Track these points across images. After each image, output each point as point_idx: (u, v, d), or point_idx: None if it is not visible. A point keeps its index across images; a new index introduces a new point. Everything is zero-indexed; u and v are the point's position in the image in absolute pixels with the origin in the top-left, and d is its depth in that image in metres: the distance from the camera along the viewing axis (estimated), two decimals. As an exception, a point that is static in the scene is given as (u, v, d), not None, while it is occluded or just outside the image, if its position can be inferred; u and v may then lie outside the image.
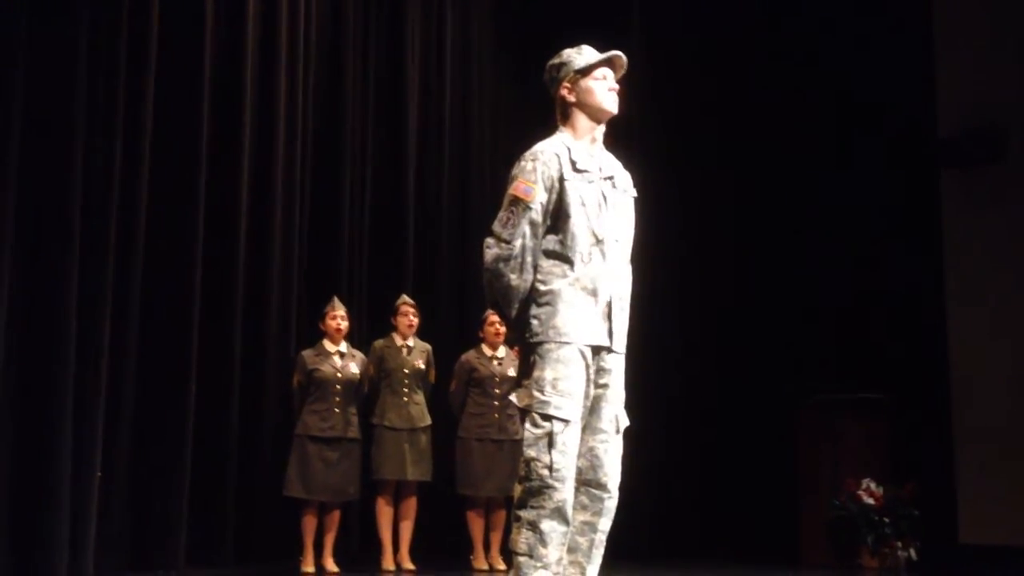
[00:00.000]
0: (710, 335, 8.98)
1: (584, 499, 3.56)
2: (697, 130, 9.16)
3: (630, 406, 3.71)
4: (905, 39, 8.47)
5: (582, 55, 3.72)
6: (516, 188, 3.55)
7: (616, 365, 3.61)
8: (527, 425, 3.48)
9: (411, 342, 6.90)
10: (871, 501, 7.39)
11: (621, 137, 4.36)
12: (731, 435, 8.67)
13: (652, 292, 5.91)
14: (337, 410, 6.51)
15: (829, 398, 7.91)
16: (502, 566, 6.69)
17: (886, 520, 7.31)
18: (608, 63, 3.72)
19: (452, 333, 7.90)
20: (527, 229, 3.51)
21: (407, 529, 6.78)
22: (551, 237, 3.56)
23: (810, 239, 8.77)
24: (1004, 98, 7.81)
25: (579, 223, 3.55)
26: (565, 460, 3.43)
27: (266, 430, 6.92)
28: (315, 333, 6.85)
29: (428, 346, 7.02)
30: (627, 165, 3.86)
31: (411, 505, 6.80)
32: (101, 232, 5.85)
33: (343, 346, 6.70)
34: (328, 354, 6.62)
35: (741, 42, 9.22)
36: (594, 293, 3.55)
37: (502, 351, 6.92)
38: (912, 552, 7.34)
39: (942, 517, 7.53)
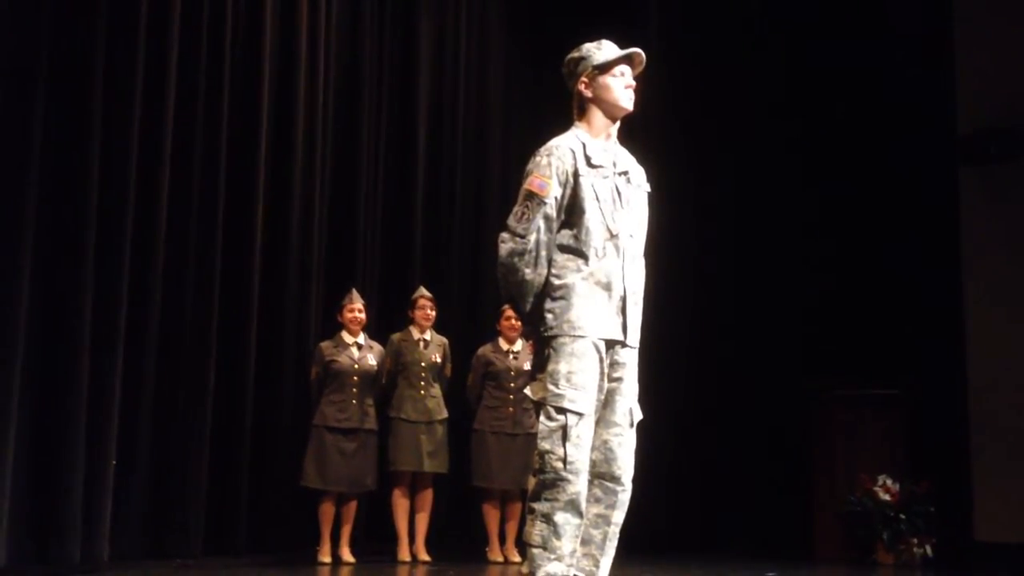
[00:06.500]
0: (726, 329, 8.98)
1: (598, 492, 3.58)
2: (712, 125, 9.15)
3: (644, 400, 3.72)
4: (924, 37, 8.45)
5: (601, 50, 3.72)
6: (531, 183, 3.56)
7: (630, 359, 3.63)
8: (541, 418, 3.50)
9: (428, 336, 6.93)
10: (887, 497, 7.39)
11: (637, 132, 4.38)
12: (746, 430, 8.67)
13: (666, 287, 5.90)
14: (354, 401, 6.55)
15: (845, 393, 7.91)
16: (517, 558, 6.72)
17: (902, 516, 7.32)
18: (627, 60, 3.72)
19: (465, 326, 7.92)
20: (542, 224, 3.53)
21: (423, 521, 6.82)
22: (565, 232, 3.57)
23: (827, 235, 8.75)
24: (1022, 96, 7.78)
25: (593, 218, 3.56)
26: (579, 453, 3.45)
27: (283, 420, 6.97)
28: (331, 324, 6.89)
29: (445, 340, 7.05)
30: (642, 160, 3.87)
31: (427, 497, 6.83)
32: (119, 221, 5.90)
33: (361, 338, 6.73)
34: (346, 346, 6.66)
35: (757, 38, 9.20)
36: (608, 287, 3.56)
37: (518, 345, 6.95)
38: (927, 549, 7.35)
39: (958, 514, 7.52)
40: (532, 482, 3.50)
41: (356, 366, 6.60)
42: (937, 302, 8.12)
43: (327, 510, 6.52)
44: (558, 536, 3.43)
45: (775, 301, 8.85)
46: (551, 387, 3.49)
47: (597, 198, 3.58)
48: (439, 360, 6.93)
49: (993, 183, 7.88)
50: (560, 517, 3.43)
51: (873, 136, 8.69)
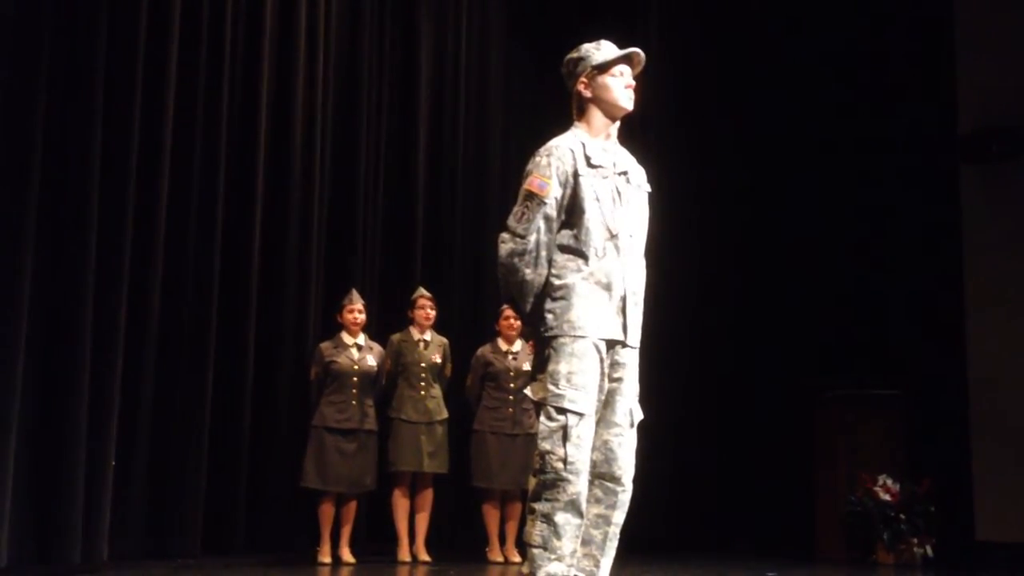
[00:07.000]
0: (725, 330, 8.99)
1: (598, 492, 3.58)
2: (713, 125, 9.16)
3: (644, 400, 3.73)
4: (925, 37, 8.45)
5: (600, 50, 3.73)
6: (531, 183, 3.57)
7: (630, 359, 3.63)
8: (542, 418, 3.51)
9: (428, 336, 6.93)
10: (887, 497, 7.39)
11: (637, 132, 4.38)
12: (747, 430, 8.67)
13: (667, 287, 5.91)
14: (354, 402, 6.55)
15: (846, 393, 7.90)
16: (517, 559, 6.72)
17: (902, 516, 7.32)
18: (626, 60, 3.72)
19: (466, 326, 7.91)
20: (542, 224, 3.53)
21: (423, 521, 6.82)
22: (566, 232, 3.58)
23: (827, 235, 8.75)
24: (1023, 95, 7.78)
25: (593, 218, 3.57)
26: (579, 453, 3.45)
27: (282, 421, 6.96)
28: (331, 325, 6.89)
29: (445, 340, 7.05)
30: (643, 160, 3.87)
31: (427, 497, 6.84)
32: (119, 222, 5.90)
33: (361, 338, 6.73)
34: (346, 346, 6.66)
35: (758, 36, 9.19)
36: (608, 288, 3.56)
37: (517, 345, 6.95)
38: (928, 549, 7.34)
39: (959, 514, 7.52)
40: (532, 482, 3.51)
41: (356, 367, 6.60)
42: (937, 302, 8.11)
43: (327, 510, 6.52)
44: (558, 536, 3.43)
45: (775, 301, 8.85)
46: (551, 387, 3.49)
47: (597, 198, 3.58)
48: (439, 360, 6.93)
49: (994, 182, 7.88)
50: (560, 517, 3.43)
51: (873, 136, 8.69)
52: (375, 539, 7.21)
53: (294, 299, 7.19)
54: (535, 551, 3.45)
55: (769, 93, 9.04)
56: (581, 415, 3.46)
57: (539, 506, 3.46)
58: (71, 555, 5.44)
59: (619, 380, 3.60)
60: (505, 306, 6.67)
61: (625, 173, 3.70)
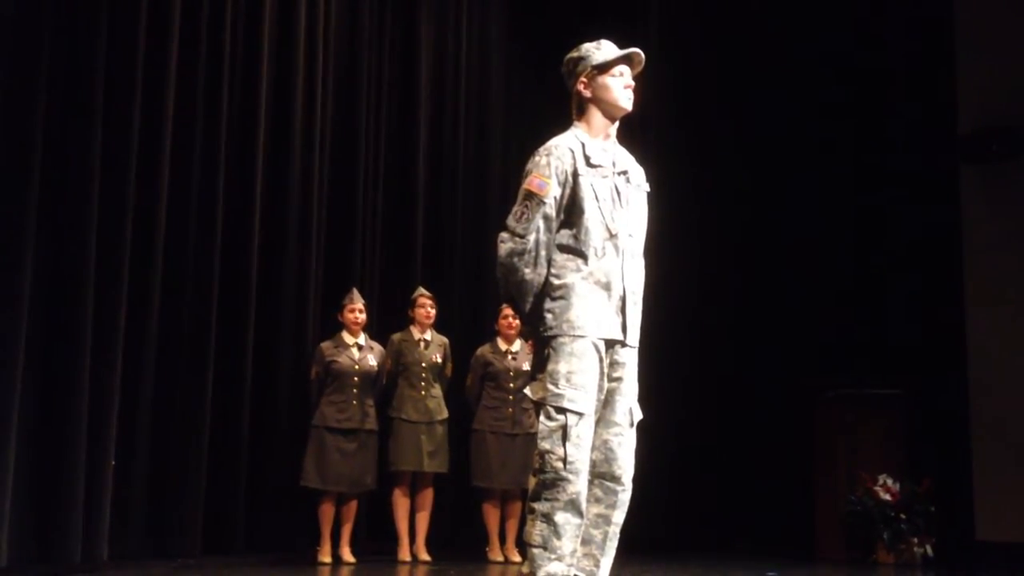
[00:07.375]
0: (725, 329, 8.99)
1: (598, 492, 3.58)
2: (713, 125, 9.16)
3: (644, 400, 3.73)
4: (925, 37, 8.44)
5: (601, 50, 3.73)
6: (530, 183, 3.57)
7: (629, 359, 3.64)
8: (541, 418, 3.51)
9: (428, 336, 6.94)
10: (887, 497, 7.39)
11: (637, 132, 4.38)
12: (747, 429, 8.67)
13: (666, 286, 5.91)
14: (355, 402, 6.55)
15: (846, 393, 7.90)
16: (517, 558, 6.72)
17: (902, 516, 7.32)
18: (626, 60, 3.72)
19: (466, 326, 7.91)
20: (541, 223, 3.54)
21: (423, 520, 6.82)
22: (565, 231, 3.58)
23: (827, 235, 8.75)
24: (1023, 95, 7.78)
25: (593, 218, 3.57)
26: (579, 453, 3.45)
27: (282, 420, 6.96)
28: (330, 324, 6.89)
29: (445, 340, 7.05)
30: (643, 159, 3.87)
31: (427, 497, 6.84)
32: (119, 222, 5.89)
33: (361, 338, 6.73)
34: (346, 346, 6.66)
35: (758, 37, 9.19)
36: (608, 287, 3.57)
37: (517, 345, 6.95)
38: (928, 548, 7.34)
39: (959, 514, 7.52)
40: (532, 482, 3.51)
41: (356, 367, 6.60)
42: (937, 302, 8.11)
43: (327, 510, 6.52)
44: (558, 536, 3.44)
45: (775, 301, 8.85)
46: (551, 387, 3.49)
47: (596, 198, 3.58)
48: (440, 360, 6.93)
49: (994, 182, 7.87)
50: (560, 517, 3.43)
51: (873, 136, 8.69)
52: (375, 539, 7.22)
53: (294, 299, 7.19)
54: (535, 551, 3.46)
55: (769, 93, 9.04)
56: (580, 415, 3.46)
57: (539, 506, 3.46)
58: (71, 555, 5.44)
59: (619, 380, 3.60)
60: (504, 306, 6.68)
61: (625, 173, 3.70)
